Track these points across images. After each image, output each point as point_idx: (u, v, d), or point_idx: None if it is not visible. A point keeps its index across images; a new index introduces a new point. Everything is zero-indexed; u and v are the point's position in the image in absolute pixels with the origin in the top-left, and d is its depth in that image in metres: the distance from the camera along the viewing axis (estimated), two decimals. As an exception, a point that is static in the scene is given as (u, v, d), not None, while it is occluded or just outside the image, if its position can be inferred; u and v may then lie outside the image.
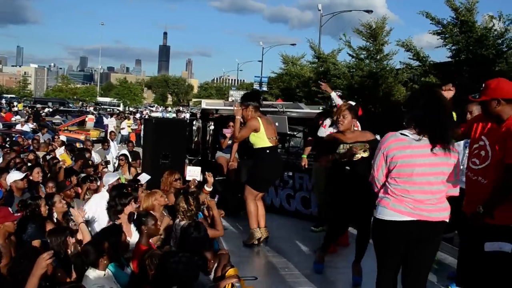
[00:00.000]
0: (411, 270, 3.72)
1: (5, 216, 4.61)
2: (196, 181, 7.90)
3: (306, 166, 7.49)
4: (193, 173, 8.30)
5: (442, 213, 3.59)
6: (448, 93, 4.56)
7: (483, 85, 3.91)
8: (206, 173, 6.71)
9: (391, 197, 3.55)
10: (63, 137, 15.83)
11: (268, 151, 6.46)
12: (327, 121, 6.90)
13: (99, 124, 28.48)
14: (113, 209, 5.58)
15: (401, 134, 3.54)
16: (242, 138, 6.53)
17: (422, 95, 3.68)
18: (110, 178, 6.94)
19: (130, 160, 10.74)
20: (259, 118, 6.44)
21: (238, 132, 6.50)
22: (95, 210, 6.11)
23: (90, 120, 28.28)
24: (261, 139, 6.43)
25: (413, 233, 3.56)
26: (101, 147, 14.12)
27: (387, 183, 3.60)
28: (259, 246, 6.57)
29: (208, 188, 6.49)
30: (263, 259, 6.18)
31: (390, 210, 3.54)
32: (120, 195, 5.73)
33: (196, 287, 3.93)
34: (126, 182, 7.40)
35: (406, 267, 3.74)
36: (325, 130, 6.79)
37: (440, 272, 5.64)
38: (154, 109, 73.02)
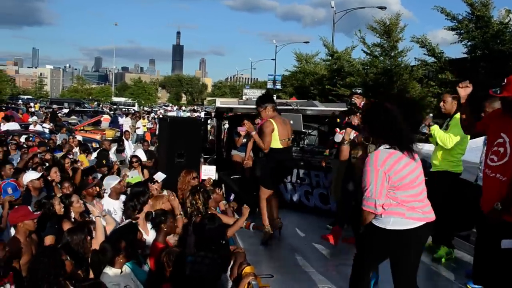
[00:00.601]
0: (405, 271, 3.79)
1: (25, 214, 4.68)
2: (212, 180, 7.94)
3: (324, 165, 7.48)
4: (208, 172, 8.36)
5: (433, 212, 3.74)
6: (465, 90, 4.54)
7: (505, 80, 3.85)
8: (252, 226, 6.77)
9: (403, 207, 3.60)
10: (79, 137, 15.98)
11: (278, 152, 6.56)
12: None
13: (114, 124, 28.69)
14: (133, 208, 5.64)
15: (389, 149, 3.64)
16: (268, 144, 6.54)
17: (377, 113, 3.81)
18: (111, 181, 6.78)
19: (143, 161, 10.79)
20: (272, 120, 6.53)
21: (262, 142, 6.52)
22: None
23: (105, 120, 28.48)
24: (274, 140, 6.52)
25: (422, 236, 3.71)
26: (116, 147, 14.23)
27: (393, 194, 3.62)
28: (273, 243, 6.62)
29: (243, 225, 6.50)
30: (279, 257, 6.19)
31: (407, 219, 3.60)
32: (138, 194, 5.81)
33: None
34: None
35: (398, 269, 3.79)
36: (340, 136, 6.78)
37: (458, 270, 5.60)
38: (169, 108, 73.29)
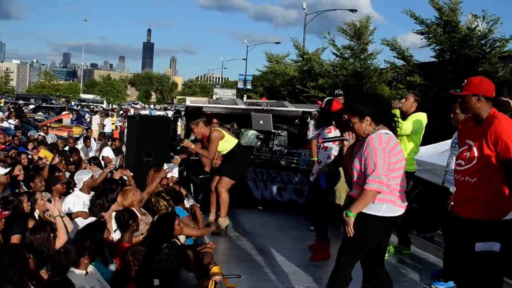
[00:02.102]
0: (379, 256, 4.03)
1: None
2: (174, 178, 7.86)
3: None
4: (170, 169, 8.24)
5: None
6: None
7: (465, 80, 3.94)
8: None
9: (394, 195, 3.78)
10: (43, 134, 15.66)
11: (236, 148, 6.89)
12: (311, 123, 6.83)
13: (78, 120, 28.12)
14: (100, 206, 5.54)
15: (387, 133, 3.78)
16: (214, 152, 6.86)
17: (374, 97, 4.10)
18: (83, 176, 6.57)
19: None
20: (218, 127, 6.88)
21: (207, 151, 6.80)
22: (72, 210, 6.00)
23: (66, 116, 27.65)
24: (229, 142, 6.83)
25: (397, 222, 3.94)
26: (83, 145, 13.98)
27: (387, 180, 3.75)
28: (242, 243, 6.64)
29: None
30: (247, 257, 6.16)
31: (397, 207, 3.81)
32: (107, 192, 5.70)
33: (180, 284, 3.92)
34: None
35: (376, 252, 3.99)
36: (310, 133, 6.78)
37: (423, 271, 5.67)
38: (138, 106, 72.40)
